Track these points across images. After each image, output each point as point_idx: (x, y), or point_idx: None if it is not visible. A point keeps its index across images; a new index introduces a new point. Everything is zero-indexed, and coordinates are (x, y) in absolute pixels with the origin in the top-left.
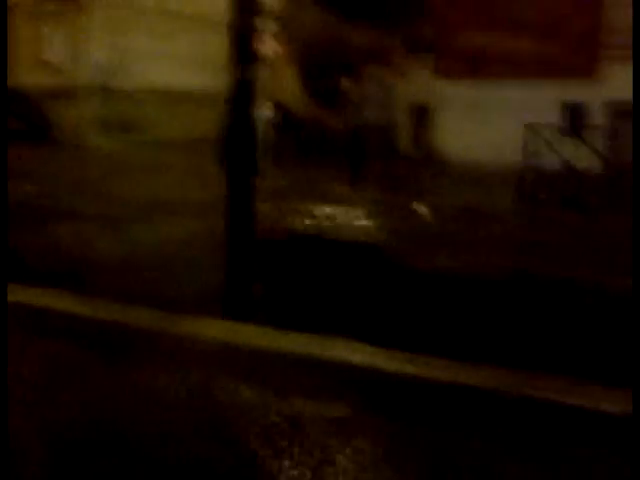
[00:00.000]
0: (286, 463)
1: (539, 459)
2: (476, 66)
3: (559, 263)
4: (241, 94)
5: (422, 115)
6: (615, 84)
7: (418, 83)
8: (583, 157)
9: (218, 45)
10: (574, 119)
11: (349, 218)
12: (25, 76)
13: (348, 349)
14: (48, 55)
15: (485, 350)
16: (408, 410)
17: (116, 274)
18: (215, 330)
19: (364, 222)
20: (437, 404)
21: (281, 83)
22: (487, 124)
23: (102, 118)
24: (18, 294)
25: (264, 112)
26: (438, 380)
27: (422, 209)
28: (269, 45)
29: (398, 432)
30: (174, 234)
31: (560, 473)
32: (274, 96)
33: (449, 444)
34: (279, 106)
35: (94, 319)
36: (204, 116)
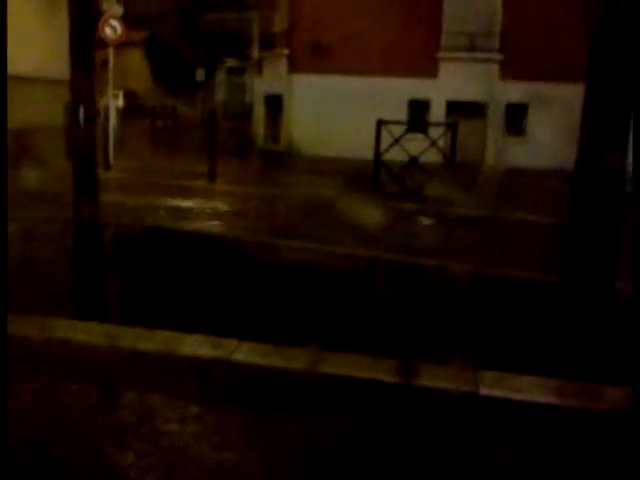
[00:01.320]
0: (139, 462)
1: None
2: (329, 61)
3: (402, 251)
4: (82, 79)
5: (277, 108)
6: (452, 83)
7: (273, 76)
8: (426, 152)
9: (61, 27)
10: (419, 116)
11: (203, 211)
12: None
13: (200, 344)
14: None
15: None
16: (263, 400)
17: None
18: (63, 330)
19: (218, 215)
20: (293, 393)
21: (132, 70)
22: (340, 119)
23: None
24: None
25: (112, 100)
26: (297, 370)
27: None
28: (116, 28)
29: (254, 423)
30: (19, 229)
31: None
32: (124, 84)
33: (305, 428)
34: (130, 94)
35: None
36: (50, 102)
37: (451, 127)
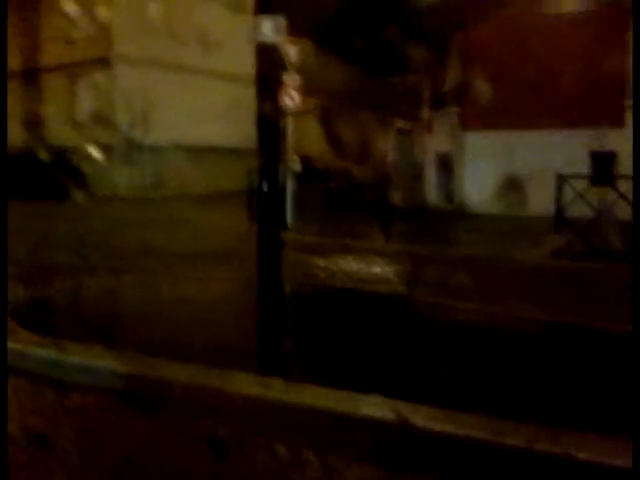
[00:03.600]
0: None
1: None
2: (502, 117)
3: (587, 316)
4: (268, 147)
5: (448, 167)
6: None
7: (444, 135)
8: (616, 207)
9: (242, 99)
10: (604, 168)
11: (378, 271)
12: (57, 133)
13: (381, 406)
14: (78, 114)
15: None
16: (442, 468)
17: (146, 328)
18: (248, 385)
19: (394, 275)
20: (472, 462)
21: (306, 135)
22: (516, 174)
23: (130, 173)
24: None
25: (291, 165)
26: (470, 437)
27: None
28: (294, 98)
29: None
30: (204, 288)
31: None
32: (300, 149)
33: None
34: (305, 159)
35: (125, 373)
36: (230, 170)
37: None
